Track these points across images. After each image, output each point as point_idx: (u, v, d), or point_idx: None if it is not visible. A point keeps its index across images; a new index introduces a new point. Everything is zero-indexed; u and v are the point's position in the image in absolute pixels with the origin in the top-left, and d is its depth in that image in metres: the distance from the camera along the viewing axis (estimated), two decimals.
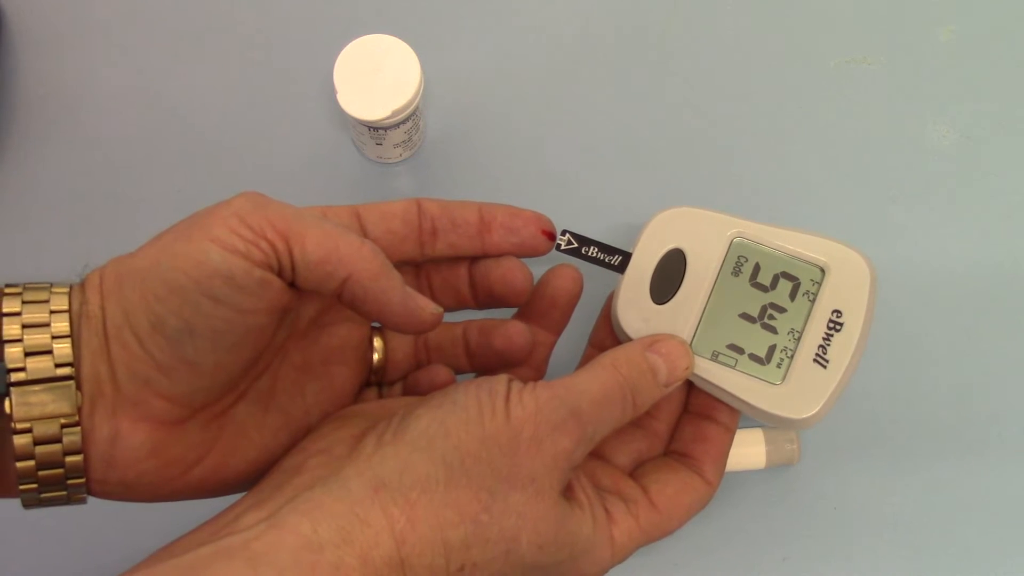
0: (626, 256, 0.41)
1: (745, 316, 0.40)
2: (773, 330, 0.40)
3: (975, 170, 0.54)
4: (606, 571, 0.37)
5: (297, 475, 0.34)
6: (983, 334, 0.52)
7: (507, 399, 0.35)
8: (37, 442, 0.33)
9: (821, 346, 0.40)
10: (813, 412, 0.40)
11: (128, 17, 0.55)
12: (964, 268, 0.53)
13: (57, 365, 0.33)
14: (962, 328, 0.52)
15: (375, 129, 0.49)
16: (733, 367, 0.40)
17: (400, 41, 0.48)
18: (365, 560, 0.31)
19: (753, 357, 0.40)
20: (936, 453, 0.51)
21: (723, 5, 0.56)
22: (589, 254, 0.41)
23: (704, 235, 0.41)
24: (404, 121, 0.49)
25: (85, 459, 0.34)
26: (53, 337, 0.33)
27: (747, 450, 0.49)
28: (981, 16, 0.56)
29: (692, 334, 0.40)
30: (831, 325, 0.40)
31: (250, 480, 0.37)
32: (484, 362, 0.42)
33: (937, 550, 0.50)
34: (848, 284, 0.40)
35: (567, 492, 0.36)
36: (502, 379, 0.36)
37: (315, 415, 0.39)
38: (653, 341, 0.39)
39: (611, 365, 0.37)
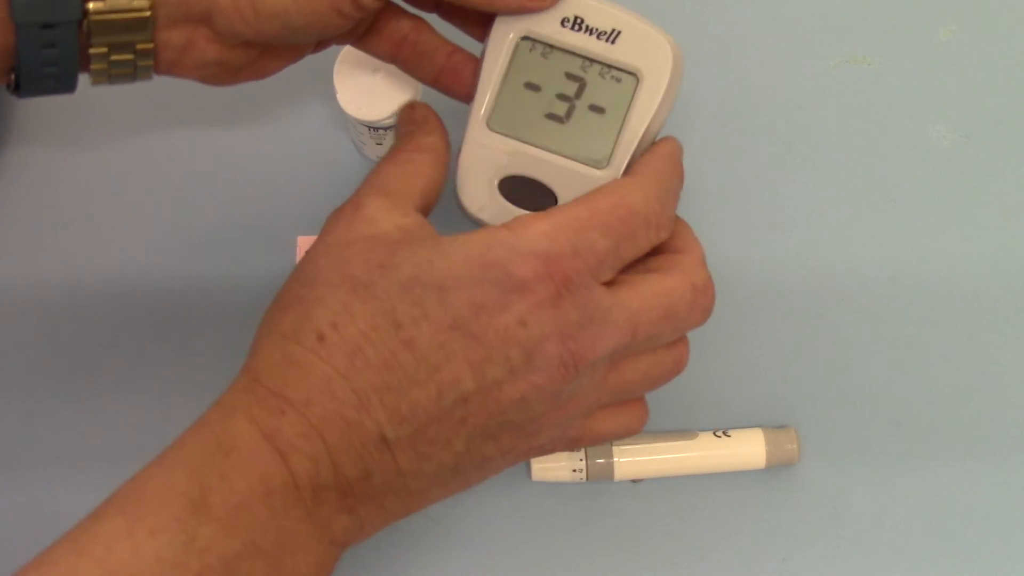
0: None
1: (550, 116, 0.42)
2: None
3: (975, 170, 0.54)
4: (514, 249, 0.36)
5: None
6: (983, 334, 0.52)
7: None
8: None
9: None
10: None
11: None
12: (964, 268, 0.53)
13: None
14: (962, 328, 0.52)
15: (375, 129, 0.49)
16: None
17: None
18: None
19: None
20: (936, 453, 0.51)
21: (723, 5, 0.56)
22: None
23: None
24: None
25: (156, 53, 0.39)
26: None
27: (747, 450, 0.49)
28: (981, 16, 0.56)
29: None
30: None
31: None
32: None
33: (937, 550, 0.50)
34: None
35: None
36: None
37: None
38: None
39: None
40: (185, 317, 0.51)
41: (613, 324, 0.37)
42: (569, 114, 0.42)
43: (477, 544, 0.49)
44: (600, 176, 0.41)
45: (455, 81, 0.44)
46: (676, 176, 0.41)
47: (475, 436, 0.36)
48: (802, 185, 0.54)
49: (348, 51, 0.48)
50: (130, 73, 0.39)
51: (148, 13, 0.37)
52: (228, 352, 0.50)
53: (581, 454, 0.48)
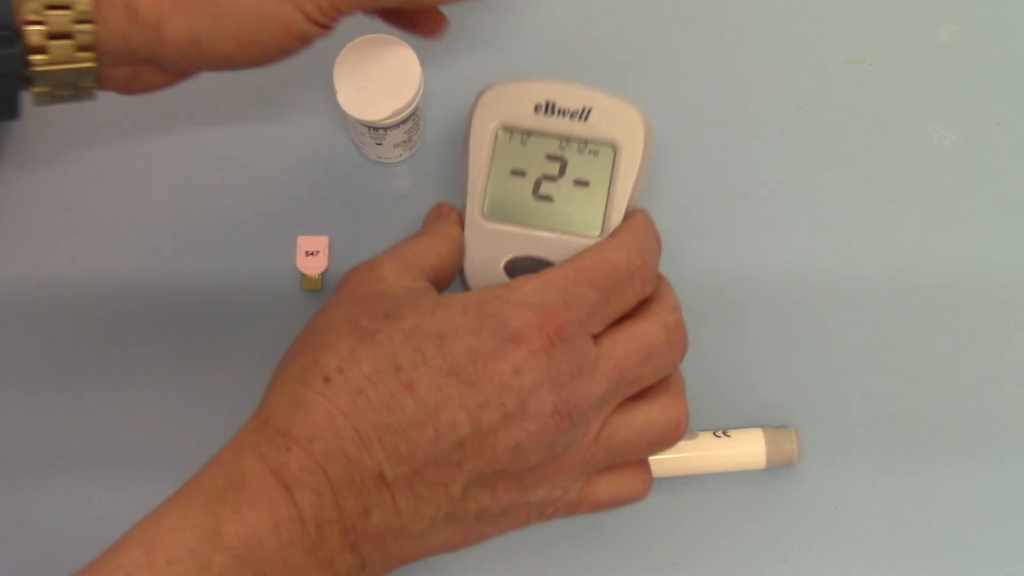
0: None
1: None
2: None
3: (975, 170, 0.54)
4: (509, 302, 0.39)
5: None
6: (983, 334, 0.52)
7: None
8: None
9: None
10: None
11: None
12: (964, 268, 0.53)
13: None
14: (962, 328, 0.52)
15: (375, 129, 0.49)
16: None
17: (400, 41, 0.48)
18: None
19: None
20: (936, 453, 0.51)
21: (723, 4, 0.56)
22: None
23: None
24: (404, 121, 0.49)
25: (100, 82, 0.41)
26: None
27: (747, 450, 0.49)
28: (981, 16, 0.56)
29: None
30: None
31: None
32: None
33: (937, 550, 0.50)
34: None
35: None
36: None
37: None
38: None
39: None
40: (185, 317, 0.51)
41: (601, 372, 0.39)
42: (557, 192, 0.44)
43: (475, 546, 0.49)
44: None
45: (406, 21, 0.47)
46: (653, 237, 0.43)
47: (471, 483, 0.38)
48: (802, 185, 0.54)
49: (348, 51, 0.48)
50: (72, 96, 0.41)
51: (92, 64, 0.39)
52: (228, 352, 0.51)
53: None
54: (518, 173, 0.44)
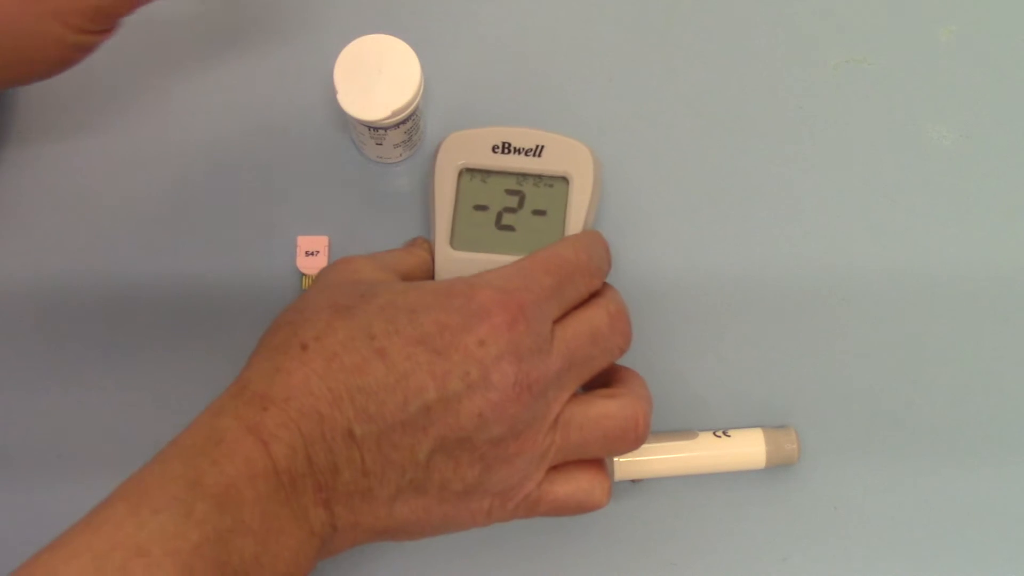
0: None
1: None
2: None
3: (975, 170, 0.54)
4: (474, 284, 0.41)
5: None
6: (983, 334, 0.52)
7: None
8: None
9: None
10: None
11: (126, 18, 0.55)
12: (964, 268, 0.53)
13: None
14: (962, 328, 0.52)
15: (375, 129, 0.49)
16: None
17: (400, 41, 0.48)
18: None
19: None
20: (936, 453, 0.51)
21: (722, 4, 0.56)
22: None
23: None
24: (404, 121, 0.49)
25: None
26: None
27: (747, 450, 0.49)
28: (981, 16, 0.56)
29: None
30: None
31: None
32: None
33: (937, 550, 0.50)
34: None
35: None
36: None
37: None
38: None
39: None
40: (185, 317, 0.51)
41: (556, 351, 0.41)
42: (517, 222, 0.49)
43: (476, 545, 0.49)
44: None
45: None
46: (599, 243, 0.46)
47: (436, 450, 0.40)
48: (802, 185, 0.54)
49: (348, 51, 0.48)
50: None
51: None
52: (228, 351, 0.51)
53: None
54: (481, 207, 0.49)
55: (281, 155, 0.53)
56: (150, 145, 0.53)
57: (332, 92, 0.48)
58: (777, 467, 0.50)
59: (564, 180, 0.49)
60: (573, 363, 0.42)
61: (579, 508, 0.44)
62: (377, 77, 0.48)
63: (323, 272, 0.46)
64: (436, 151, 0.49)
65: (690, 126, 0.54)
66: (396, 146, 0.51)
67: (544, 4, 0.56)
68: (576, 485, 0.43)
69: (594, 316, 0.43)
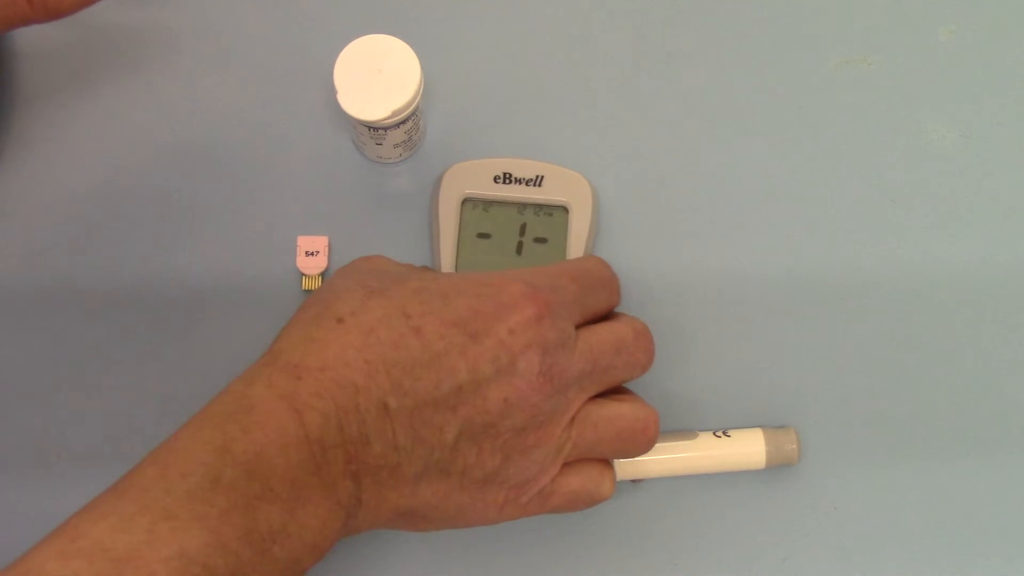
0: None
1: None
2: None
3: (975, 170, 0.54)
4: (505, 277, 0.43)
5: None
6: (983, 334, 0.52)
7: None
8: None
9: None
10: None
11: (126, 18, 0.55)
12: (964, 268, 0.53)
13: None
14: (962, 328, 0.52)
15: (375, 129, 0.49)
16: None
17: (400, 41, 0.48)
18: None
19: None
20: (936, 453, 0.51)
21: (722, 4, 0.56)
22: None
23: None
24: (404, 121, 0.49)
25: None
26: None
27: (747, 450, 0.49)
28: (981, 16, 0.56)
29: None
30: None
31: None
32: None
33: (937, 550, 0.50)
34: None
35: None
36: None
37: None
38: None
39: None
40: (185, 317, 0.51)
41: (579, 352, 0.43)
42: (519, 249, 0.51)
43: (476, 544, 0.49)
44: None
45: None
46: (609, 269, 0.47)
47: (463, 433, 0.41)
48: (802, 185, 0.54)
49: (348, 51, 0.48)
50: None
51: None
52: (228, 351, 0.51)
53: None
54: (484, 236, 0.51)
55: (281, 155, 0.53)
56: (150, 145, 0.53)
57: (332, 92, 0.48)
58: (777, 467, 0.50)
59: (564, 209, 0.51)
60: (595, 367, 0.43)
61: (589, 500, 0.45)
62: (377, 77, 0.48)
63: (345, 266, 0.47)
64: (438, 181, 0.51)
65: (690, 125, 0.54)
66: (396, 146, 0.51)
67: (544, 3, 0.56)
68: (587, 475, 0.45)
69: (620, 328, 0.45)
